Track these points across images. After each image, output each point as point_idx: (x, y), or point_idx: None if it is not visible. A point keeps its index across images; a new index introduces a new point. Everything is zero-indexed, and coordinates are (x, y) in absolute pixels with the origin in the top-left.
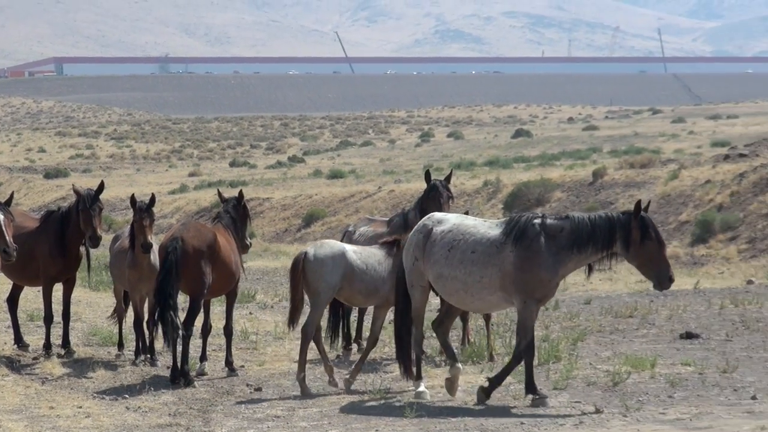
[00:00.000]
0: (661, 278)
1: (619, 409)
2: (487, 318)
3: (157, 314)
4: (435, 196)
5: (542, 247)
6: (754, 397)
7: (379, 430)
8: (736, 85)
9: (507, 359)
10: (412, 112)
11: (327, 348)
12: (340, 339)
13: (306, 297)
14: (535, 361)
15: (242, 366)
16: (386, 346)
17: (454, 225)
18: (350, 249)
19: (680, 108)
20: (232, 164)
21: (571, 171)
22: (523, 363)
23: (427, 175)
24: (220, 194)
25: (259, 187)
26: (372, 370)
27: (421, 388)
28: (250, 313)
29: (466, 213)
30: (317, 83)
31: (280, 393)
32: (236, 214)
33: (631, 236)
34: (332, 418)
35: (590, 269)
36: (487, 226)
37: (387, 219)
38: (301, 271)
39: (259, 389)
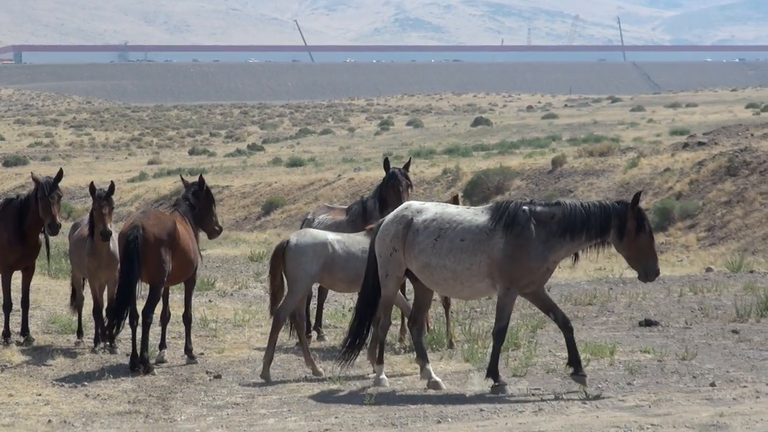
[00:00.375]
0: (649, 271)
1: (579, 396)
2: (446, 305)
3: (115, 306)
4: (394, 184)
5: (532, 234)
6: (713, 384)
7: (339, 416)
8: (695, 73)
9: (467, 346)
10: (371, 100)
11: (286, 336)
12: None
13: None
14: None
15: (202, 353)
16: (345, 333)
17: (437, 214)
18: (333, 238)
19: (639, 96)
20: (192, 152)
21: (530, 159)
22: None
23: (386, 163)
24: (183, 180)
25: (218, 175)
26: (331, 358)
27: (382, 376)
28: (210, 301)
29: (455, 198)
30: (277, 71)
31: (239, 380)
32: (196, 200)
33: (627, 226)
34: (292, 405)
35: (576, 257)
36: (472, 213)
37: (346, 207)
38: (281, 259)
39: (218, 376)
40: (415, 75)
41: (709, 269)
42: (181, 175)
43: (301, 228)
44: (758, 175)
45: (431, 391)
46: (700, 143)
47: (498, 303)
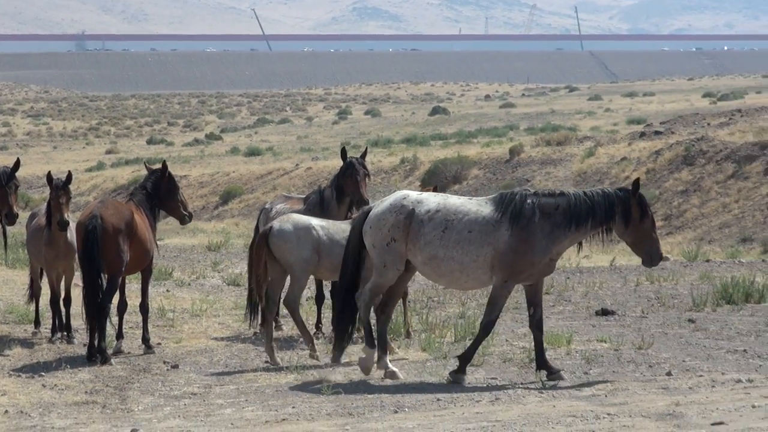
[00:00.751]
0: (653, 255)
1: (535, 385)
2: (404, 295)
3: (87, 300)
4: (351, 174)
5: (537, 227)
6: (669, 373)
7: (296, 406)
8: (652, 62)
9: (424, 336)
10: (329, 89)
11: (247, 326)
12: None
13: (278, 275)
14: (452, 338)
15: (159, 343)
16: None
17: (441, 204)
18: (317, 223)
19: (597, 85)
20: (150, 142)
21: (488, 148)
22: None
23: (343, 153)
24: (147, 167)
25: (176, 164)
26: (289, 347)
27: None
28: (168, 291)
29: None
30: (234, 61)
31: (197, 370)
32: (155, 189)
33: (631, 213)
34: (249, 395)
35: (580, 246)
36: (475, 203)
37: (303, 196)
38: (265, 247)
39: (176, 366)
40: (372, 64)
41: (665, 258)
42: (145, 163)
43: (259, 218)
44: (714, 164)
45: (388, 381)
46: (657, 132)
47: (492, 294)
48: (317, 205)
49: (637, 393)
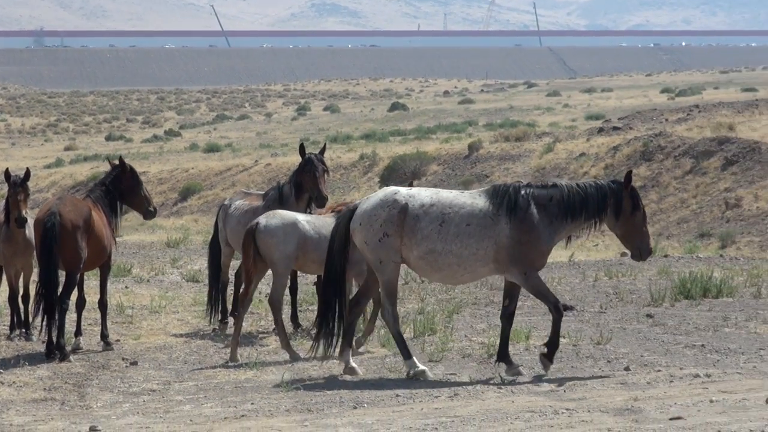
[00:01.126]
0: (643, 249)
1: (494, 381)
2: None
3: (42, 296)
4: (310, 170)
5: (537, 217)
6: (627, 369)
7: (255, 403)
8: (610, 58)
9: (383, 332)
10: (288, 85)
11: (206, 322)
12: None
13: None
14: (410, 334)
15: (118, 340)
16: (262, 319)
17: (434, 198)
18: (303, 218)
19: (555, 81)
20: (108, 138)
21: (447, 144)
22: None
23: (302, 149)
24: (110, 162)
25: (135, 161)
26: (248, 343)
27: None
28: (126, 287)
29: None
30: (193, 57)
31: (156, 366)
32: (115, 185)
33: (623, 205)
34: (208, 391)
35: (569, 239)
36: (468, 196)
37: (263, 192)
38: (252, 242)
39: (134, 363)
40: (332, 60)
41: (623, 254)
42: (108, 159)
43: (218, 214)
44: (673, 159)
45: (347, 377)
46: (615, 128)
47: (529, 290)
48: (276, 201)
49: (596, 388)
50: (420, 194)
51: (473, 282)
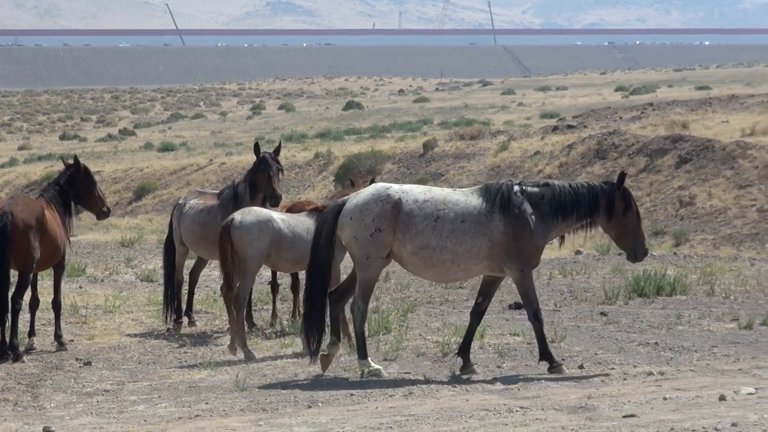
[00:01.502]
0: (638, 250)
1: (449, 380)
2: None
3: None
4: (264, 169)
5: (531, 214)
6: (581, 367)
7: (210, 402)
8: (564, 57)
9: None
10: (243, 84)
11: (161, 322)
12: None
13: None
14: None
15: (72, 340)
16: (217, 318)
17: (428, 194)
18: (277, 216)
19: (510, 80)
20: (63, 137)
21: (401, 143)
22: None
23: (257, 148)
24: (64, 162)
25: (89, 160)
26: (202, 343)
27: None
28: (80, 287)
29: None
30: (148, 56)
31: (110, 366)
32: (69, 185)
33: (615, 206)
34: (162, 391)
35: (562, 239)
36: (461, 194)
37: (217, 192)
38: (227, 239)
39: (88, 363)
40: (286, 59)
41: (578, 252)
42: (62, 158)
43: (173, 213)
44: (627, 157)
45: (302, 376)
46: (570, 126)
47: (519, 289)
48: (231, 200)
49: (550, 386)
50: (413, 190)
51: (465, 280)
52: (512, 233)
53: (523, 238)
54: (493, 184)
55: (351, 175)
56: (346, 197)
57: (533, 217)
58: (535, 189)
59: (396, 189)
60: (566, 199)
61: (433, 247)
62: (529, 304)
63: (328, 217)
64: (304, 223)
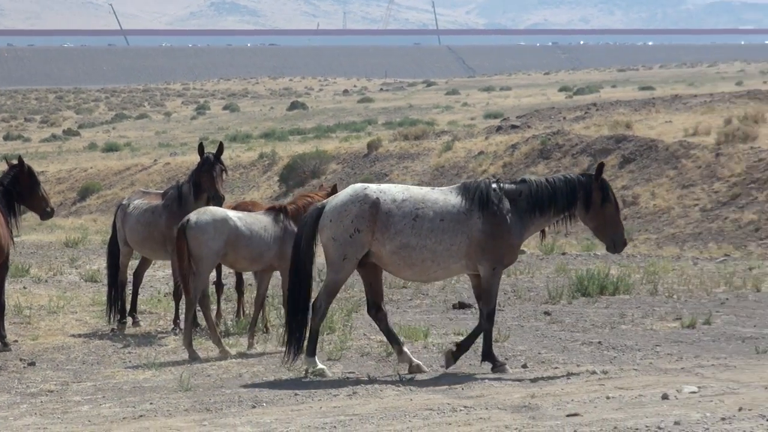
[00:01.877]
0: (617, 241)
1: (393, 379)
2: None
3: None
4: (208, 169)
5: (508, 212)
6: (524, 366)
7: (154, 402)
8: (508, 57)
9: (281, 330)
10: (187, 84)
11: (105, 322)
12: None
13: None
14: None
15: (15, 341)
16: (161, 319)
17: (406, 193)
18: (234, 215)
19: (454, 80)
20: (6, 138)
21: (346, 143)
22: (482, 331)
23: (201, 148)
24: (7, 162)
25: (33, 160)
26: (147, 344)
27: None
28: (24, 288)
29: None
30: (92, 56)
31: (54, 367)
32: (13, 185)
33: (592, 198)
34: (106, 392)
35: (543, 233)
36: (440, 192)
37: (162, 192)
38: (184, 238)
39: (32, 364)
40: (231, 59)
41: (521, 251)
42: (5, 158)
43: (116, 214)
44: (570, 157)
45: (246, 377)
46: (514, 126)
47: (484, 285)
48: (175, 201)
49: (494, 385)
50: (390, 189)
51: (444, 279)
52: (490, 231)
53: (500, 237)
54: (472, 183)
55: (295, 175)
56: (325, 201)
57: (510, 215)
58: (513, 186)
59: (374, 189)
60: (543, 195)
61: (413, 246)
62: (488, 302)
63: (308, 221)
64: (261, 221)
